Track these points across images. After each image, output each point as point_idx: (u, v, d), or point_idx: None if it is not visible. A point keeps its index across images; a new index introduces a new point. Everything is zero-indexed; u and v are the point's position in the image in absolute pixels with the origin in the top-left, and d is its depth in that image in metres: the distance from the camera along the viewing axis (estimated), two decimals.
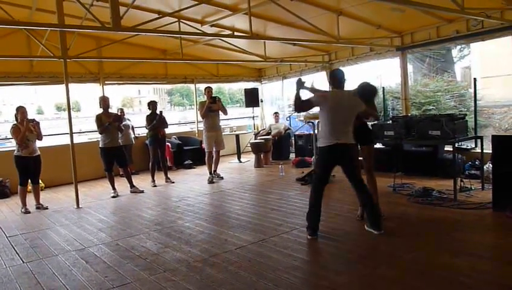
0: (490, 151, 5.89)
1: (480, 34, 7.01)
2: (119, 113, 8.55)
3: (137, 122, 11.22)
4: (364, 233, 4.50)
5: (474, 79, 7.27)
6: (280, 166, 8.72)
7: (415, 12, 6.69)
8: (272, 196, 6.65)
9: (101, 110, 7.39)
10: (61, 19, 5.45)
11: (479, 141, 6.54)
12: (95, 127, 7.48)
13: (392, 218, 4.99)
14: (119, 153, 7.56)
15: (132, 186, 7.68)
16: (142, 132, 10.52)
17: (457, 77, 10.70)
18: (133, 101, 51.14)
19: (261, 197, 6.68)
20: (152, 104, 8.42)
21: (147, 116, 8.37)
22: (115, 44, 8.23)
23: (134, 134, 10.04)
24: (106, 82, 9.85)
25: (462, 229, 4.48)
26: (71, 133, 6.76)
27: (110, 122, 7.17)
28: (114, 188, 7.47)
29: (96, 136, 9.58)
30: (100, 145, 7.37)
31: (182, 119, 21.71)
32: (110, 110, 7.54)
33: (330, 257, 3.98)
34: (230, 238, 4.62)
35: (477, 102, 7.30)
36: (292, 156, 10.65)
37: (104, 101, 7.39)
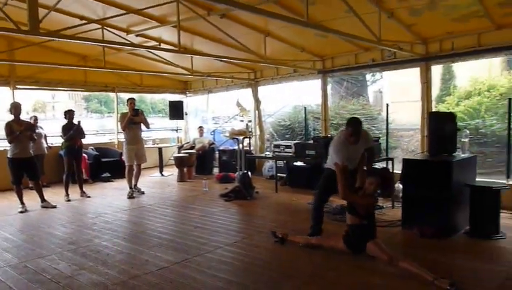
0: (399, 172, 6.41)
1: (393, 64, 7.65)
2: (31, 121, 7.91)
3: (50, 130, 10.46)
4: (288, 251, 4.60)
5: (387, 104, 7.90)
6: (204, 181, 8.64)
7: (336, 40, 7.11)
8: (195, 213, 6.55)
9: (11, 117, 6.77)
10: None
11: (389, 161, 7.06)
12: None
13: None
14: (30, 164, 6.95)
15: (43, 200, 7.10)
16: (56, 141, 9.82)
17: (370, 101, 11.54)
18: (45, 106, 47.54)
19: (184, 214, 6.56)
20: (69, 114, 7.92)
21: (63, 126, 7.85)
22: (31, 47, 7.65)
23: (47, 143, 9.33)
24: (18, 86, 9.08)
25: None
26: None
27: (21, 130, 6.59)
28: (22, 203, 6.85)
29: (3, 145, 8.78)
30: (8, 155, 6.73)
31: (100, 128, 20.65)
32: (21, 118, 6.93)
33: (254, 276, 4.00)
34: (151, 258, 4.45)
35: (388, 125, 7.93)
36: (216, 171, 10.64)
37: (16, 108, 6.77)
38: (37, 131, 8.35)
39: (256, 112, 10.52)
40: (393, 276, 3.90)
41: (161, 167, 10.69)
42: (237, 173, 8.66)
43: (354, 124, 4.61)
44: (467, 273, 3.92)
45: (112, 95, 11.91)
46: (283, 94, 10.95)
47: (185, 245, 4.89)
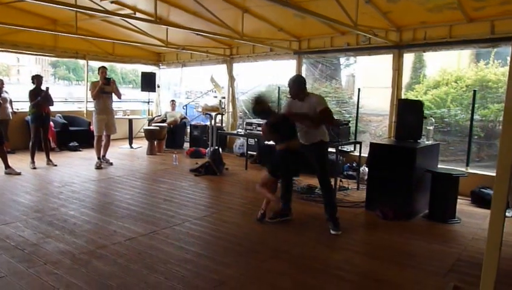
0: (366, 155, 6.61)
1: (367, 49, 7.77)
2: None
3: (15, 95, 10.11)
4: (253, 227, 4.73)
5: (359, 89, 8.05)
6: (174, 155, 8.63)
7: (314, 21, 7.14)
8: (165, 186, 6.57)
9: None
10: None
11: (357, 145, 7.26)
12: None
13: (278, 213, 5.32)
14: None
15: (7, 167, 6.92)
16: (22, 107, 9.52)
17: (342, 84, 11.68)
18: (10, 69, 45.46)
19: (153, 187, 6.56)
20: (37, 79, 7.66)
21: (30, 91, 7.59)
22: None
23: (12, 108, 9.02)
24: None
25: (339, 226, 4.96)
26: None
27: None
28: None
29: None
30: None
31: (68, 96, 20.04)
32: None
33: (221, 250, 4.10)
34: (119, 229, 4.47)
35: (359, 110, 8.11)
36: (186, 145, 10.61)
37: None
38: (2, 95, 8.07)
39: (230, 88, 10.49)
40: (356, 253, 4.10)
41: (130, 139, 10.56)
42: (208, 148, 8.68)
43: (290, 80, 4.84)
44: (423, 253, 4.16)
45: (82, 62, 11.55)
46: (258, 72, 10.92)
47: (154, 217, 4.92)
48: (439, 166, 5.91)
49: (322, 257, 3.94)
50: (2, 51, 9.43)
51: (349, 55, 8.72)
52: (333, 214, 4.73)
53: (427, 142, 5.81)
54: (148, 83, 11.27)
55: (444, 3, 5.99)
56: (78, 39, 9.36)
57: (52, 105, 7.99)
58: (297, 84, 4.79)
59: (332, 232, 4.60)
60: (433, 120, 6.21)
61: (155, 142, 9.77)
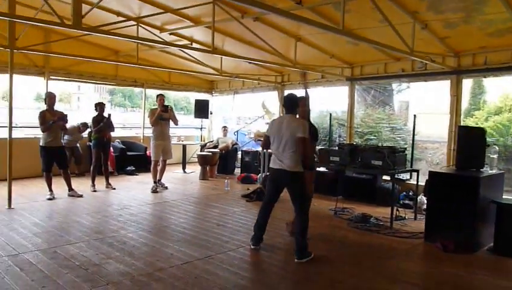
0: (423, 184, 6.38)
1: (424, 75, 7.61)
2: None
3: (74, 120, 10.77)
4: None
5: (414, 115, 7.84)
6: (226, 181, 8.75)
7: (367, 48, 7.11)
8: (217, 211, 6.65)
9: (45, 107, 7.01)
10: (12, 8, 5.18)
11: (413, 173, 7.01)
12: (30, 121, 7.05)
13: (333, 242, 5.23)
14: (61, 153, 7.20)
15: (70, 189, 7.32)
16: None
17: (395, 110, 11.45)
18: (71, 96, 48.65)
19: (207, 211, 6.66)
20: (100, 106, 8.13)
21: (93, 118, 8.06)
22: (66, 40, 7.89)
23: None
24: (52, 77, 9.36)
25: (397, 257, 4.78)
26: (10, 127, 6.32)
27: (54, 120, 6.81)
28: (51, 190, 7.07)
29: (34, 133, 9.10)
30: (41, 144, 6.96)
31: (124, 122, 21.02)
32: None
33: (276, 277, 4.06)
34: (175, 252, 4.56)
35: (414, 136, 7.88)
36: (237, 171, 10.73)
37: (51, 98, 7.02)
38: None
39: (281, 115, 10.56)
40: (415, 286, 3.92)
41: (184, 164, 10.85)
42: (259, 174, 8.74)
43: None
44: (489, 289, 3.90)
45: (137, 90, 12.12)
46: (311, 99, 10.94)
47: (208, 242, 4.98)
48: (504, 197, 5.57)
49: (380, 289, 3.79)
50: (69, 80, 10.12)
51: (404, 81, 8.57)
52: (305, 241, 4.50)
53: (490, 171, 5.52)
54: (201, 109, 11.61)
55: (506, 28, 5.78)
56: (137, 68, 9.91)
57: (113, 131, 8.43)
58: (287, 102, 4.69)
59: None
60: (497, 148, 5.91)
61: (207, 168, 9.97)
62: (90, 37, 8.36)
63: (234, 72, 10.17)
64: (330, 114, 9.61)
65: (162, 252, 4.56)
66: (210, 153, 10.10)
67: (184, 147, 10.81)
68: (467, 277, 4.22)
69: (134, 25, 7.30)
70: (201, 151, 10.90)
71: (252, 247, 4.75)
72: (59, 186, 7.43)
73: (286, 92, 10.34)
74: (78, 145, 9.58)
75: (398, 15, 5.55)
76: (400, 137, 9.45)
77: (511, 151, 7.98)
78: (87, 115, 8.28)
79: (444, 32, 6.29)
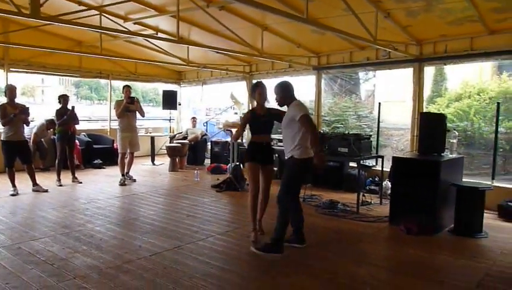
0: (388, 170, 6.56)
1: (387, 64, 7.78)
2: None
3: (39, 114, 10.48)
4: None
5: (379, 103, 8.03)
6: (196, 171, 8.72)
7: (333, 37, 7.21)
8: (187, 202, 6.64)
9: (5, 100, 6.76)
10: None
11: (379, 159, 7.21)
12: None
13: None
14: (23, 148, 6.97)
15: (35, 184, 7.12)
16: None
17: (362, 99, 11.67)
18: (34, 90, 46.90)
19: (176, 203, 6.63)
20: (63, 98, 7.92)
21: (57, 110, 7.84)
22: (26, 30, 7.60)
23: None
24: (11, 69, 9.00)
25: (363, 240, 4.93)
26: None
27: (15, 114, 6.58)
28: (14, 186, 6.85)
29: None
30: (2, 138, 6.73)
31: (90, 115, 20.53)
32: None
33: (245, 264, 4.12)
34: (144, 244, 4.54)
35: (379, 124, 8.08)
36: (207, 162, 10.71)
37: (11, 91, 6.77)
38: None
39: (250, 105, 10.58)
40: (381, 268, 4.06)
41: (153, 156, 10.72)
42: (229, 164, 8.75)
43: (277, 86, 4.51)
44: (450, 268, 4.08)
45: (104, 82, 11.85)
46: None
47: (177, 233, 4.97)
48: (464, 180, 5.81)
49: (346, 272, 3.91)
50: (30, 72, 9.78)
51: (369, 69, 8.74)
52: (276, 237, 4.26)
53: (450, 156, 5.74)
54: (169, 101, 11.47)
55: (464, 16, 5.97)
56: (102, 59, 9.66)
57: (78, 124, 8.23)
58: (281, 91, 4.44)
59: (252, 248, 4.33)
60: (457, 133, 6.14)
61: (177, 159, 9.89)
62: (52, 27, 8.11)
63: (202, 63, 10.09)
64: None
65: (130, 245, 4.52)
66: (179, 144, 10.03)
67: (152, 138, 10.68)
68: (428, 257, 4.39)
69: (96, 14, 7.10)
70: (170, 142, 10.80)
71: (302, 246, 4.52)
72: (22, 181, 7.23)
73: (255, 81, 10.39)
74: (42, 139, 9.31)
75: (361, 4, 5.63)
76: (365, 125, 9.66)
77: (470, 136, 8.30)
78: (52, 108, 8.01)
79: (406, 21, 6.44)
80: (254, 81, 4.85)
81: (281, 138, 4.74)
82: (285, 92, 4.45)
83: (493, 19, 6.01)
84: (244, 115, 5.06)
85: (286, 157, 4.39)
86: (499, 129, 6.78)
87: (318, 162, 4.16)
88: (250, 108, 4.71)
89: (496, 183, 6.38)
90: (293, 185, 4.40)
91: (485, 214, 5.32)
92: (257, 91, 4.73)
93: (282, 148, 4.59)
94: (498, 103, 6.81)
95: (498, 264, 4.18)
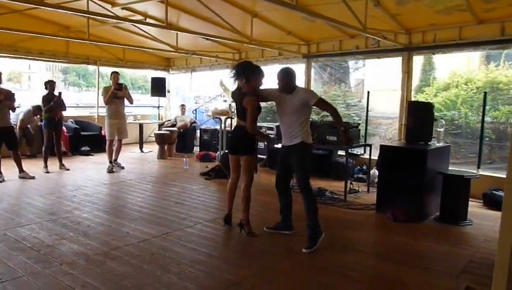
0: (376, 158, 6.62)
1: (376, 52, 7.80)
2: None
3: (26, 101, 10.30)
4: (264, 230, 4.73)
5: (368, 92, 8.06)
6: (184, 159, 8.70)
7: (322, 25, 7.18)
8: (175, 189, 6.63)
9: None
10: None
11: (367, 148, 7.26)
12: None
13: None
14: (9, 134, 6.87)
15: (21, 171, 7.03)
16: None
17: (351, 88, 11.71)
18: (21, 76, 46.08)
19: (164, 190, 6.62)
20: (50, 84, 7.79)
21: (43, 96, 7.72)
22: (11, 14, 7.43)
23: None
24: None
25: (351, 227, 4.98)
26: None
27: (1, 100, 6.47)
28: (0, 172, 6.77)
29: None
30: None
31: (78, 102, 20.26)
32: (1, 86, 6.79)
33: (233, 251, 4.15)
34: (132, 231, 4.53)
35: (368, 113, 8.12)
36: (196, 149, 10.69)
37: None
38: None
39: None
40: (367, 254, 4.11)
41: (141, 143, 10.66)
42: (218, 152, 8.75)
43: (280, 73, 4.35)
44: (435, 255, 4.16)
45: (92, 68, 11.70)
46: (267, 76, 10.98)
47: (166, 220, 4.97)
48: (450, 168, 5.89)
49: (334, 258, 3.95)
50: (16, 57, 9.61)
51: (359, 58, 8.76)
52: (314, 223, 4.20)
53: (437, 144, 5.80)
54: (158, 88, 11.37)
55: (453, 5, 5.99)
56: (89, 45, 9.50)
57: (65, 110, 8.11)
58: (289, 76, 4.32)
59: (304, 250, 4.06)
60: (444, 122, 6.21)
61: (165, 147, 9.84)
62: (38, 12, 7.92)
63: (191, 49, 9.99)
64: None
65: (118, 231, 4.51)
66: (168, 132, 9.97)
67: (141, 126, 10.61)
68: (414, 244, 4.46)
69: None
70: (159, 130, 10.74)
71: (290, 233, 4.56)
72: (9, 167, 7.14)
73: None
74: (29, 126, 9.19)
75: None
76: (354, 113, 9.71)
77: (457, 125, 8.39)
78: (39, 94, 7.89)
79: (396, 10, 6.44)
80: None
81: (269, 125, 4.71)
82: (291, 79, 4.33)
83: (481, 8, 6.04)
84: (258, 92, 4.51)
85: (291, 144, 4.29)
86: (485, 119, 6.87)
87: (347, 142, 4.55)
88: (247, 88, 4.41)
89: (481, 172, 6.48)
90: (310, 168, 4.44)
91: (470, 202, 5.41)
92: (262, 76, 4.50)
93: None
94: (485, 93, 6.88)
95: (482, 251, 4.26)
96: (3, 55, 9.13)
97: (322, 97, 4.42)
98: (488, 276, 3.08)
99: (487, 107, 7.05)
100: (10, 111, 6.89)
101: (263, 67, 9.80)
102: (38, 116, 8.97)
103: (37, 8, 6.50)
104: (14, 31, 7.51)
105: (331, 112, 4.37)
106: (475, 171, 6.35)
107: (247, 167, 4.52)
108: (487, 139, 7.67)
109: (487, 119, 7.32)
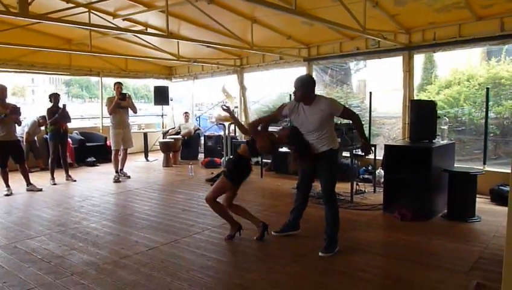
0: (381, 158, 6.61)
1: (377, 53, 7.82)
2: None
3: (30, 114, 10.38)
4: (272, 234, 4.75)
5: (370, 93, 8.07)
6: (190, 166, 8.73)
7: (322, 28, 7.21)
8: (182, 196, 6.66)
9: None
10: None
11: (372, 148, 7.23)
12: None
13: None
14: (16, 147, 6.94)
15: (29, 183, 7.10)
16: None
17: (353, 89, 11.71)
18: (25, 90, 46.43)
19: (171, 198, 6.65)
20: (54, 97, 7.88)
21: (48, 109, 7.81)
22: (14, 29, 7.52)
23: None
24: (1, 69, 8.93)
25: (358, 228, 4.99)
26: None
27: (6, 113, 6.54)
28: (8, 186, 6.84)
29: None
30: None
31: (82, 113, 20.42)
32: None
33: (241, 256, 4.16)
34: (140, 239, 4.55)
35: (371, 113, 8.13)
36: (201, 156, 10.72)
37: (1, 91, 6.71)
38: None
39: (242, 98, 10.59)
40: (376, 254, 4.11)
41: (146, 152, 10.71)
42: (223, 158, 8.78)
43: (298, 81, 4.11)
44: (444, 252, 4.15)
45: (94, 80, 11.82)
46: (268, 81, 11.05)
47: (173, 227, 5.00)
48: (455, 165, 5.88)
49: (342, 260, 3.96)
50: (19, 72, 9.70)
51: (359, 59, 8.78)
52: (333, 236, 4.15)
53: (442, 142, 5.80)
54: (161, 96, 11.43)
55: (452, 3, 6.01)
56: (92, 57, 9.61)
57: (70, 122, 8.19)
58: (308, 85, 4.08)
59: (320, 254, 4.02)
60: (447, 119, 6.20)
61: (170, 154, 9.89)
62: (40, 26, 8.03)
63: (192, 57, 10.06)
64: (290, 95, 9.70)
65: (126, 240, 4.54)
66: (172, 140, 10.02)
67: (145, 135, 10.66)
68: (422, 242, 4.46)
69: (85, 11, 7.04)
70: (163, 138, 10.79)
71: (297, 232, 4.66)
72: (16, 181, 7.22)
73: (247, 75, 10.39)
74: (35, 138, 9.27)
75: None
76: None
77: (461, 122, 8.38)
78: (42, 108, 7.98)
79: (394, 10, 6.46)
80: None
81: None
82: (309, 88, 4.09)
83: (480, 5, 6.05)
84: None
85: (318, 152, 4.15)
86: (489, 114, 6.85)
87: (366, 152, 4.46)
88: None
89: (487, 168, 6.47)
90: (337, 172, 4.41)
91: (477, 199, 5.40)
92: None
93: None
94: (487, 89, 6.87)
95: (491, 247, 4.25)
96: (6, 70, 9.22)
97: (346, 106, 4.26)
98: (498, 272, 3.07)
99: (490, 103, 7.04)
100: (16, 125, 6.96)
101: (264, 72, 9.88)
102: (44, 126, 9.03)
103: (39, 22, 6.57)
104: (16, 45, 7.59)
105: (355, 122, 4.24)
106: (481, 168, 6.34)
107: (217, 184, 4.51)
108: (492, 134, 7.65)
109: (491, 114, 7.32)
